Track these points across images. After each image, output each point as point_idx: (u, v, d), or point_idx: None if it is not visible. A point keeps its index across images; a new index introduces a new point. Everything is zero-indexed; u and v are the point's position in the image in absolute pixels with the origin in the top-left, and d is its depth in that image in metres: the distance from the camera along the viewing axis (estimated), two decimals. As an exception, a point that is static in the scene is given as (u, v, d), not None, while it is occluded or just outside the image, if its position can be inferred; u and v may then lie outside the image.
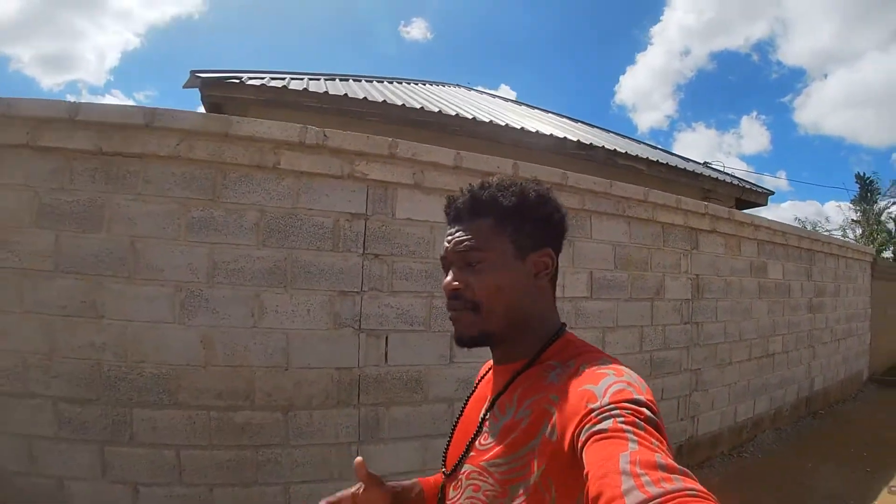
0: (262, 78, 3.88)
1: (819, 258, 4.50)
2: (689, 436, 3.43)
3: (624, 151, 4.79)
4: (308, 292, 2.10)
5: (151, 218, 1.96)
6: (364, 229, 2.23)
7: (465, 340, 0.63)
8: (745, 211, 5.06)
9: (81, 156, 1.94)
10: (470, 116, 4.16)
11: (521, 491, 0.54)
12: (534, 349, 0.62)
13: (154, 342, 1.95)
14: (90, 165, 1.94)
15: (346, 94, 3.81)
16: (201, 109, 4.12)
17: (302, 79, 4.31)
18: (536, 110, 7.22)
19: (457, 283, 0.62)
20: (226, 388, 2.00)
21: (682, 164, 5.59)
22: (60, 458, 1.88)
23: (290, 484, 2.07)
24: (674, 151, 7.12)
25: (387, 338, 2.25)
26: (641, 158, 4.85)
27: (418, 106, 4.01)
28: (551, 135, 4.50)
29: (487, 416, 0.63)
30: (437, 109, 4.11)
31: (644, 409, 0.46)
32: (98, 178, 1.94)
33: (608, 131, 7.17)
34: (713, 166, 6.73)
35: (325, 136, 2.13)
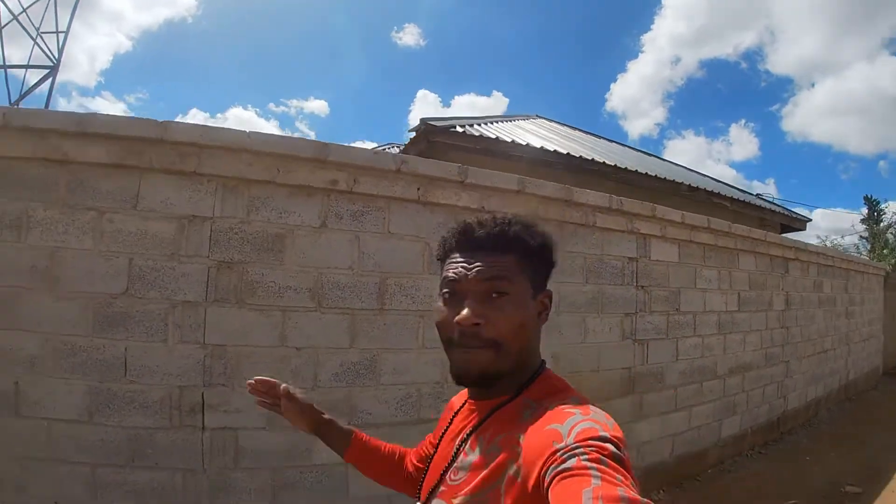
0: (469, 125, 4.60)
1: (852, 275, 5.82)
2: (782, 410, 4.56)
3: (718, 192, 5.98)
4: (610, 316, 2.95)
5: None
6: (636, 268, 3.09)
7: (477, 379, 0.61)
8: (785, 235, 6.34)
9: (464, 212, 2.42)
10: (633, 169, 5.23)
11: None
12: (514, 387, 0.61)
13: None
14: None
15: (542, 147, 4.60)
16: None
17: (480, 122, 5.09)
18: (639, 151, 8.57)
19: (478, 318, 0.59)
20: (564, 384, 2.80)
21: (746, 199, 6.91)
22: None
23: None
24: (725, 181, 8.60)
25: (647, 344, 3.14)
26: (727, 197, 6.08)
27: (589, 157, 4.96)
28: (673, 180, 5.55)
29: (460, 450, 0.62)
30: (614, 164, 5.11)
31: (609, 445, 0.47)
32: (483, 233, 2.64)
33: (676, 164, 8.62)
34: (764, 197, 8.15)
35: (620, 202, 2.97)
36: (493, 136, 4.50)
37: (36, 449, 1.93)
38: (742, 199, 6.57)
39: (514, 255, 0.62)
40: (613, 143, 8.29)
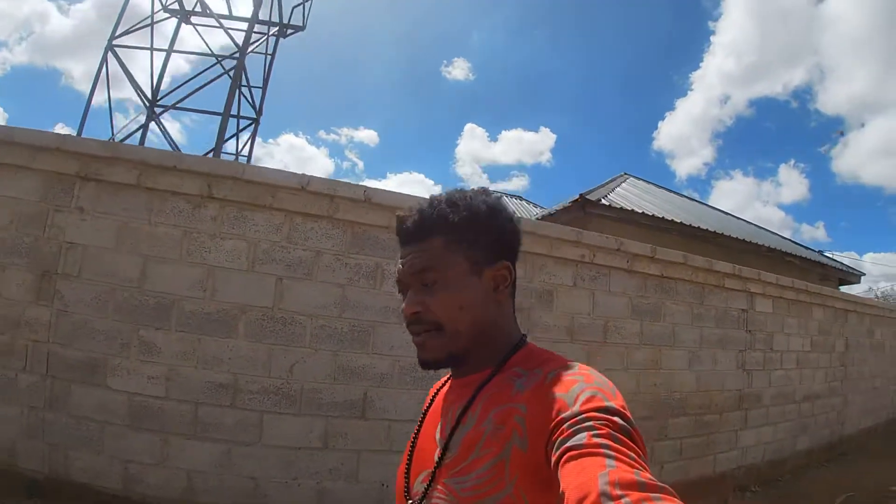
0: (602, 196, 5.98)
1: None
2: (840, 435, 5.60)
3: (790, 252, 7.29)
4: (730, 351, 4.11)
5: (679, 314, 3.81)
6: (746, 317, 4.26)
7: (432, 364, 0.63)
8: (842, 286, 7.46)
9: (650, 278, 3.65)
10: (728, 234, 6.59)
11: None
12: (496, 359, 0.62)
13: (680, 380, 3.76)
14: (654, 284, 3.69)
15: (663, 217, 5.88)
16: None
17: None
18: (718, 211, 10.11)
19: (415, 307, 0.62)
20: (702, 403, 3.92)
21: (811, 256, 8.19)
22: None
23: (719, 453, 4.03)
24: (790, 238, 9.94)
25: (752, 373, 4.28)
26: (797, 256, 7.37)
27: (696, 225, 6.19)
28: (756, 242, 6.87)
29: (455, 429, 0.61)
30: (714, 230, 6.41)
31: (616, 418, 0.47)
32: (657, 290, 3.71)
33: (752, 224, 10.08)
34: (826, 255, 9.35)
35: (740, 270, 4.15)
36: (630, 209, 5.76)
37: (374, 443, 2.76)
38: (808, 256, 7.85)
39: (440, 237, 0.62)
40: (700, 204, 9.79)
